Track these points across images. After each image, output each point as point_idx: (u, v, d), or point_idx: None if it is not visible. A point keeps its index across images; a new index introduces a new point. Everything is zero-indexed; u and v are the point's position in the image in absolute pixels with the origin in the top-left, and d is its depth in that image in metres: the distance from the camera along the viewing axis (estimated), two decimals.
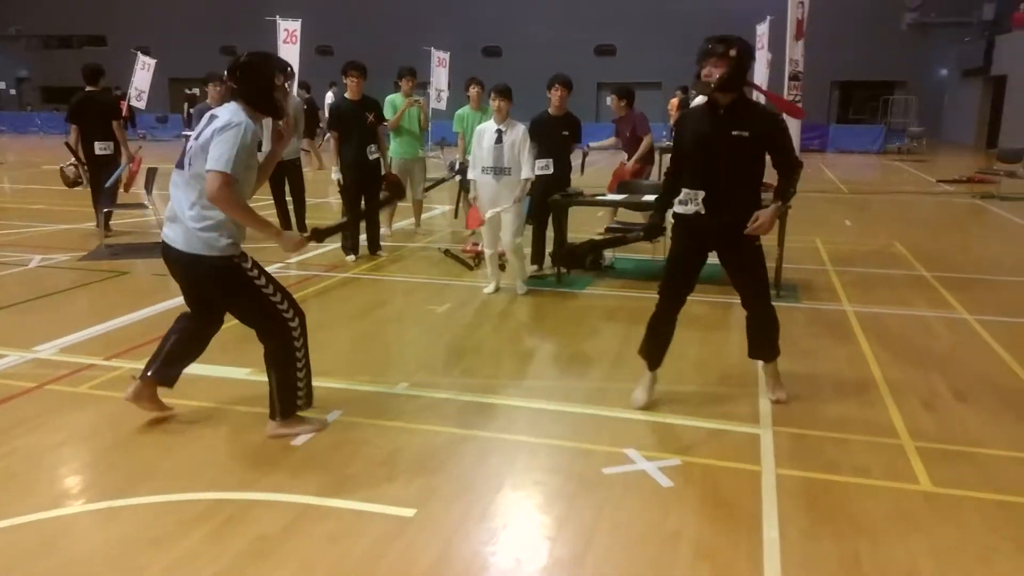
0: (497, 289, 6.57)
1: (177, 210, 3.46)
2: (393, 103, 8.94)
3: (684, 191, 3.94)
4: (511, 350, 5.29)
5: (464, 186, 8.94)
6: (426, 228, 9.61)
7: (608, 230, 7.96)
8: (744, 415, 4.03)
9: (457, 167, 8.94)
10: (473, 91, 8.84)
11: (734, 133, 3.73)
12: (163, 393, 3.94)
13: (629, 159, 8.55)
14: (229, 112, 3.40)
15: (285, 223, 8.78)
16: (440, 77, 18.41)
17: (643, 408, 4.12)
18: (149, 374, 3.83)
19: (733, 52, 3.67)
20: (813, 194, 13.14)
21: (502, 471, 3.46)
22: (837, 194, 13.77)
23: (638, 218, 8.44)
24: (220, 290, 3.58)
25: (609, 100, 8.94)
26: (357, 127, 7.62)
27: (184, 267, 3.52)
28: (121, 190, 8.60)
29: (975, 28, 24.28)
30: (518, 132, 6.24)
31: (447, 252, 7.97)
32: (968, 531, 3.00)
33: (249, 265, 3.55)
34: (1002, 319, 5.82)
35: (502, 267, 6.72)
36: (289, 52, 12.84)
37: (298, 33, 13.49)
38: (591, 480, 3.38)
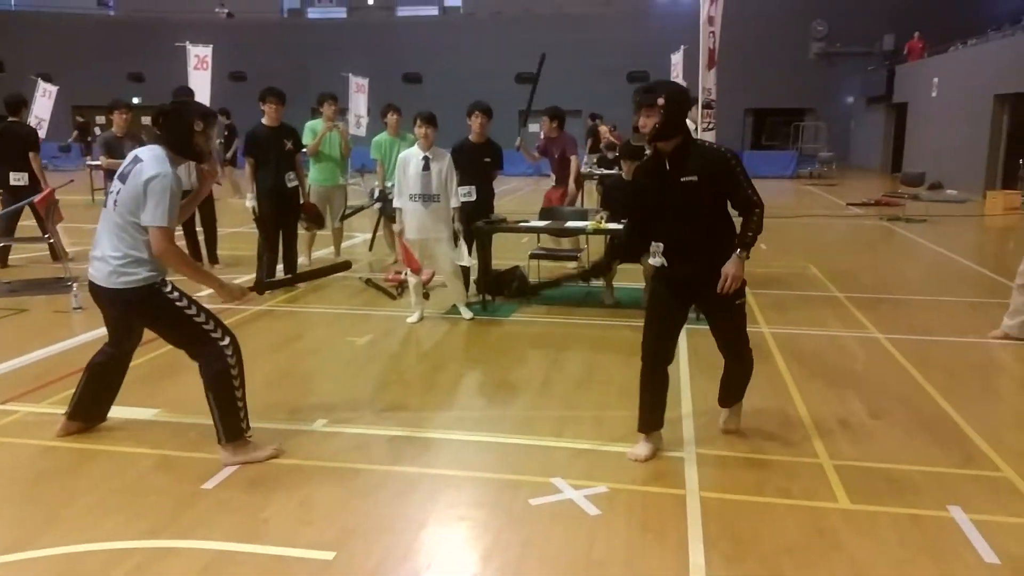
0: (421, 318, 6.48)
1: (100, 249, 3.61)
2: (313, 129, 8.80)
3: (652, 243, 3.83)
4: (435, 381, 5.20)
5: (385, 213, 8.83)
6: (346, 257, 9.43)
7: (532, 256, 7.98)
8: (669, 440, 4.03)
9: (377, 194, 8.83)
10: (391, 118, 8.77)
11: (683, 180, 3.62)
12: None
13: (557, 181, 8.62)
14: (154, 158, 3.54)
15: (195, 254, 8.48)
16: (359, 103, 18.26)
17: (637, 459, 3.85)
18: (70, 414, 3.99)
19: (660, 100, 3.56)
20: None
21: (426, 507, 3.37)
22: None
23: (561, 244, 8.50)
24: (146, 316, 3.71)
25: (539, 123, 9.00)
26: (275, 154, 7.44)
27: (109, 300, 3.66)
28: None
29: (877, 57, 25.55)
30: (445, 160, 6.23)
31: (368, 281, 7.83)
32: (884, 546, 3.05)
33: (169, 289, 3.64)
34: (911, 337, 6.04)
35: (426, 295, 6.63)
36: (200, 78, 12.52)
37: (209, 59, 13.18)
38: (518, 512, 3.31)
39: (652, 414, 3.93)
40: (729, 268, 3.62)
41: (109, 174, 8.20)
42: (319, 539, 3.08)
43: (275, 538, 3.09)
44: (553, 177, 8.74)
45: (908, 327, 6.34)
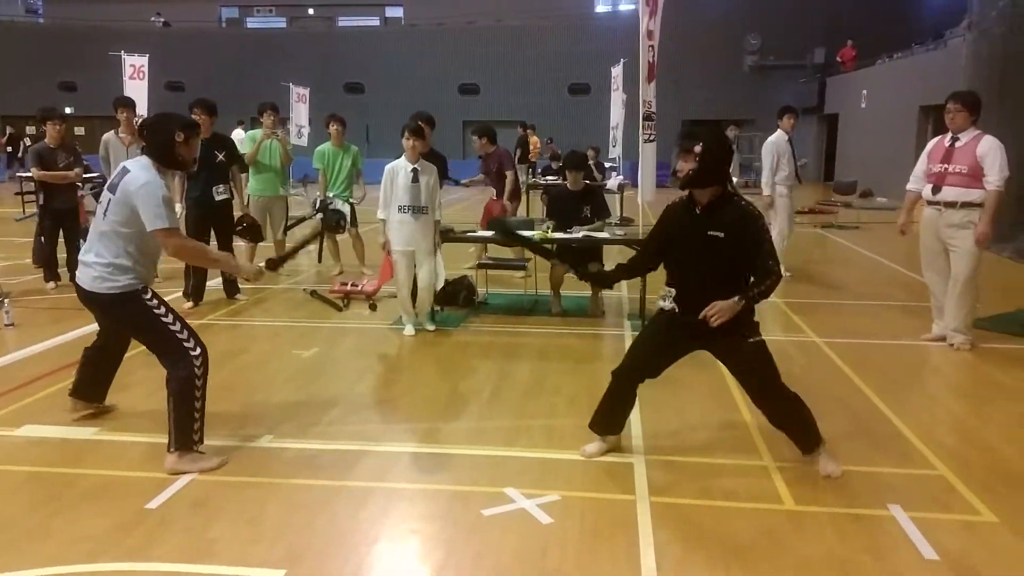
0: (416, 331, 6.42)
1: (88, 254, 3.79)
2: (253, 138, 8.66)
3: (664, 287, 3.79)
4: (384, 394, 5.16)
5: (330, 224, 8.73)
6: (290, 268, 9.29)
7: (480, 266, 7.99)
8: (618, 446, 4.08)
9: (319, 204, 8.73)
10: (333, 128, 8.69)
11: (709, 233, 3.54)
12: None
13: (497, 195, 8.66)
14: (140, 167, 3.73)
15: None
16: (300, 113, 18.09)
17: (590, 456, 3.97)
18: (73, 393, 4.34)
19: (698, 148, 3.52)
20: None
21: (377, 522, 3.34)
22: None
23: (507, 253, 8.54)
24: (124, 319, 3.90)
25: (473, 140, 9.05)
26: (205, 166, 7.18)
27: (93, 303, 3.85)
28: None
29: (809, 70, 26.37)
30: (432, 171, 6.24)
31: (313, 293, 7.73)
32: (828, 546, 3.14)
33: (149, 296, 3.80)
34: (848, 340, 6.23)
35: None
36: (136, 88, 12.27)
37: (145, 69, 12.93)
38: (470, 523, 3.31)
39: (604, 419, 4.00)
40: (720, 303, 3.49)
41: (43, 185, 7.93)
42: (269, 557, 3.03)
43: (224, 558, 3.02)
44: (493, 190, 8.79)
45: (844, 331, 6.54)
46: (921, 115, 17.80)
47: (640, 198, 8.43)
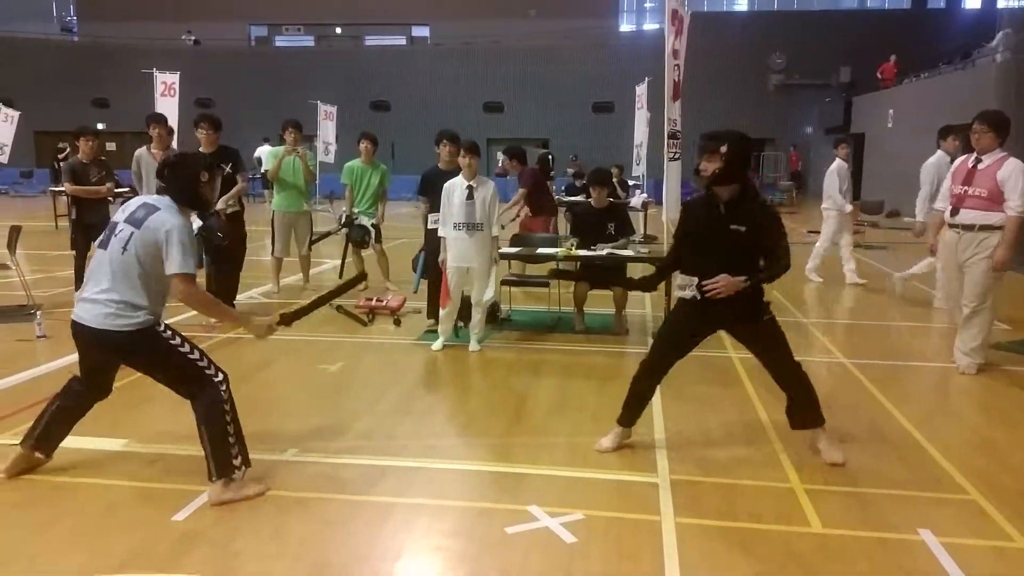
0: (444, 346, 6.47)
1: (94, 289, 3.53)
2: (275, 155, 8.77)
3: (682, 276, 4.02)
4: (408, 408, 5.17)
5: (355, 239, 8.79)
6: (315, 283, 9.37)
7: (503, 282, 8.00)
8: (643, 465, 4.06)
9: (344, 219, 8.80)
10: (364, 145, 8.78)
11: (732, 227, 3.81)
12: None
13: (532, 212, 8.87)
14: (169, 208, 3.59)
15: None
16: (327, 130, 18.29)
17: (605, 451, 4.23)
18: (30, 444, 3.82)
19: (724, 148, 3.76)
20: None
21: (400, 537, 3.33)
22: None
23: (531, 269, 8.55)
24: (140, 357, 3.64)
25: (501, 161, 9.17)
26: None
27: (98, 343, 3.57)
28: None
29: (834, 90, 26.26)
30: (489, 188, 6.30)
31: (339, 308, 7.72)
32: (857, 571, 3.09)
33: (163, 328, 3.61)
34: (877, 362, 6.15)
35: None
36: (167, 104, 12.46)
37: (176, 86, 13.14)
38: (494, 541, 3.30)
39: (626, 411, 4.25)
40: (727, 278, 3.78)
41: (75, 200, 8.11)
42: (292, 571, 3.03)
43: (248, 571, 3.03)
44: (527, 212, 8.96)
45: (873, 352, 6.46)
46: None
47: (664, 216, 8.40)
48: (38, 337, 6.54)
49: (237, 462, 3.66)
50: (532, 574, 3.05)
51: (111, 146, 24.60)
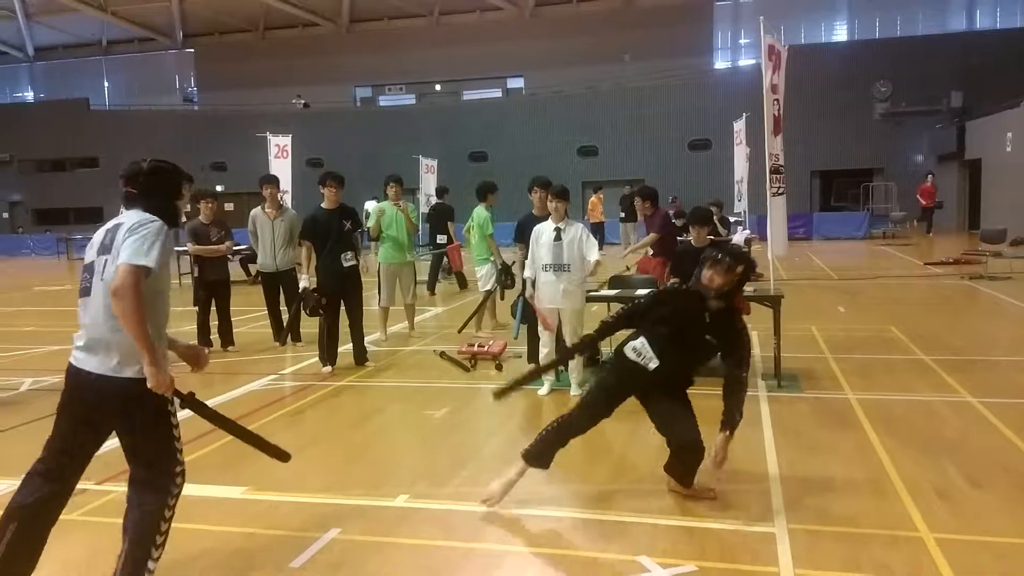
0: (551, 390, 6.53)
1: (97, 335, 3.04)
2: (377, 211, 9.08)
3: (642, 342, 4.06)
4: (513, 455, 5.13)
5: (504, 283, 8.90)
6: (420, 331, 9.58)
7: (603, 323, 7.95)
8: (756, 513, 3.91)
9: (502, 267, 8.98)
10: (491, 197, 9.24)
11: (706, 337, 4.02)
12: None
13: (655, 253, 8.82)
14: (137, 214, 3.09)
15: (278, 332, 8.75)
16: (429, 183, 18.82)
17: (492, 506, 4.09)
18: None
19: (739, 269, 3.92)
20: (803, 282, 13.24)
21: None
22: (827, 280, 13.88)
23: None
24: (139, 417, 3.07)
25: (632, 201, 9.22)
26: (335, 235, 7.56)
27: (105, 399, 3.06)
28: None
29: (945, 115, 25.11)
30: (577, 229, 6.42)
31: (443, 355, 7.91)
32: None
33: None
34: (1006, 400, 5.75)
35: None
36: (281, 166, 13.15)
37: (289, 148, 13.86)
38: None
39: (542, 451, 4.16)
40: (720, 446, 3.88)
41: (197, 259, 8.67)
42: None
43: None
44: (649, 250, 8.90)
45: (1002, 390, 6.05)
46: None
47: (770, 252, 8.21)
48: None
49: (152, 567, 3.08)
50: None
51: (229, 206, 26.08)
